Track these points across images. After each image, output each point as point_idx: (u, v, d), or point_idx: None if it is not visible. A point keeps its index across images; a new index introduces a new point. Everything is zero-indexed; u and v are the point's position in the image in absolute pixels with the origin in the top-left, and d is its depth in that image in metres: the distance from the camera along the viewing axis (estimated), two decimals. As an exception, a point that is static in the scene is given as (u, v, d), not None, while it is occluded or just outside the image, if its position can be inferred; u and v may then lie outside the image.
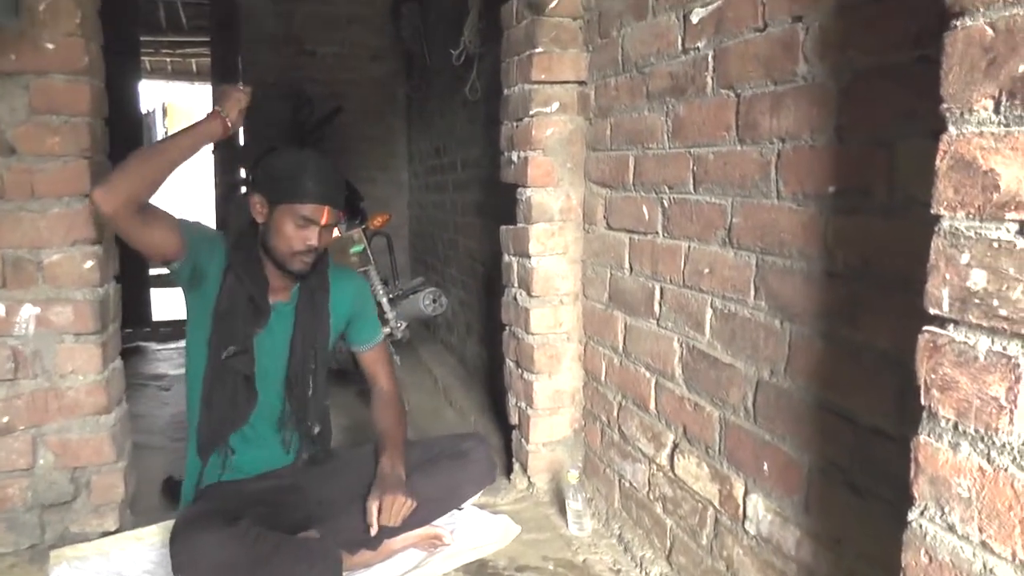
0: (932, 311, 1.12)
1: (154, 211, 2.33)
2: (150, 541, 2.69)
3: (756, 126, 1.93)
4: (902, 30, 1.48)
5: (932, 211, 1.11)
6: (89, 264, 2.56)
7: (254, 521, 2.30)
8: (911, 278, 1.45)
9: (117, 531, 2.72)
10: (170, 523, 2.69)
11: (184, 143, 2.37)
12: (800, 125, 1.77)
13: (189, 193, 19.12)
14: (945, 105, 1.08)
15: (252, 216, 2.49)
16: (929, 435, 1.14)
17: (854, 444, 1.65)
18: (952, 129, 1.08)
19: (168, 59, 12.43)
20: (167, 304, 7.75)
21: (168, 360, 6.04)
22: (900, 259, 1.50)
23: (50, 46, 2.47)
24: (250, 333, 2.52)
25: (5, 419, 2.54)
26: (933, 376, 1.12)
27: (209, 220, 9.26)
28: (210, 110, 2.45)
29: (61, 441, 2.61)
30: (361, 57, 7.33)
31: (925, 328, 1.14)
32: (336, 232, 4.09)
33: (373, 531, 2.45)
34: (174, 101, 20.21)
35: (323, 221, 2.45)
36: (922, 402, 1.16)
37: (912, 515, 1.20)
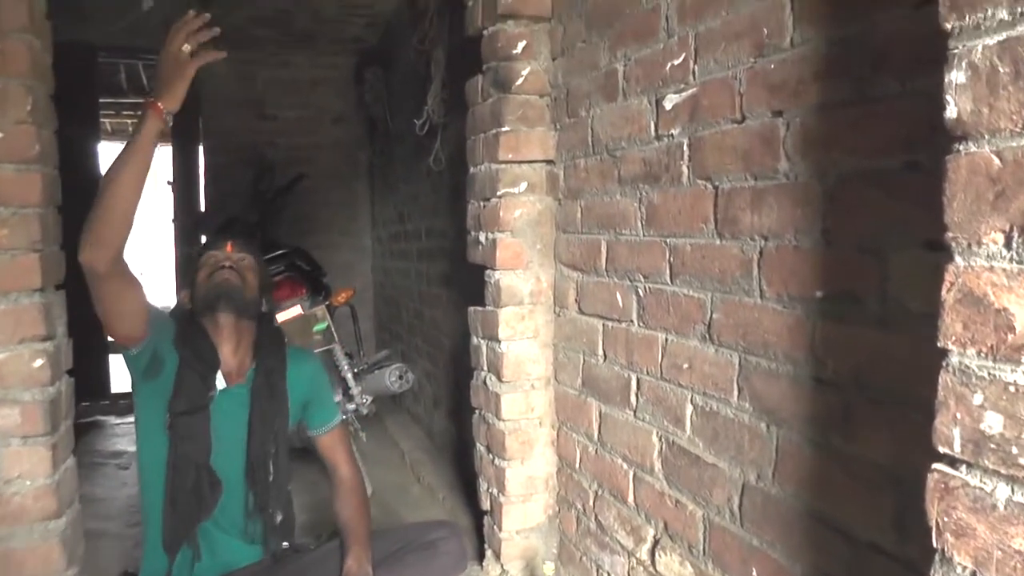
0: (942, 449, 1.05)
1: (131, 275, 2.26)
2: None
3: (736, 221, 1.86)
4: (889, 134, 1.43)
5: (939, 344, 1.04)
6: (39, 363, 2.42)
7: None
8: (909, 393, 1.39)
9: (69, 643, 2.57)
10: None
11: (131, 156, 2.13)
12: (784, 224, 1.71)
13: (150, 262, 19.05)
14: (950, 233, 1.02)
15: (184, 309, 2.51)
16: (944, 580, 1.06)
17: (850, 558, 1.57)
18: (959, 260, 1.01)
19: (129, 121, 12.29)
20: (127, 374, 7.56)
21: (127, 435, 5.88)
22: (896, 372, 1.43)
23: (-1, 135, 2.37)
24: (201, 398, 2.42)
25: (-58, 528, 2.39)
26: (946, 519, 1.05)
27: (169, 287, 9.14)
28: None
29: (5, 551, 2.43)
30: (323, 121, 7.30)
31: (935, 467, 1.07)
32: (299, 310, 4.02)
33: None
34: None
35: (228, 249, 2.48)
36: (934, 544, 1.09)
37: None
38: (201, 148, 7.12)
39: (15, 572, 2.46)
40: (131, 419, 6.18)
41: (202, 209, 6.99)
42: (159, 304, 2.45)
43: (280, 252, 4.29)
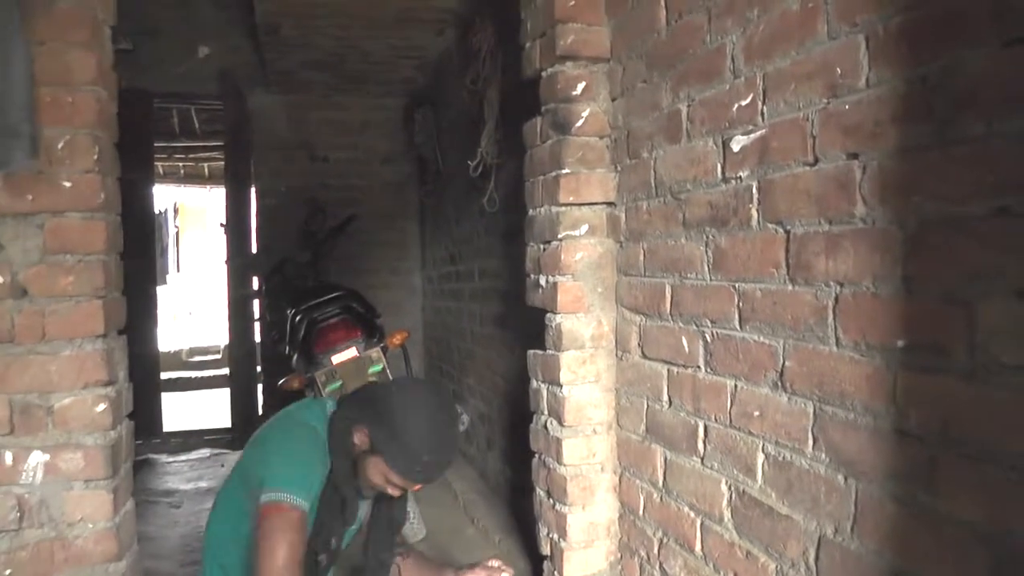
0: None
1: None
2: None
3: (809, 267, 1.82)
4: (975, 178, 1.38)
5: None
6: (101, 407, 2.45)
7: None
8: (1002, 449, 1.34)
9: None
10: None
11: None
12: (861, 270, 1.66)
13: (205, 293, 19.28)
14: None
15: (352, 438, 2.39)
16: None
17: (937, 620, 1.50)
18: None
19: (181, 163, 12.55)
20: (178, 411, 7.64)
21: (179, 474, 5.91)
22: (987, 426, 1.38)
23: (67, 184, 2.40)
24: (338, 535, 2.49)
25: (7, 572, 2.39)
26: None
27: (221, 326, 9.19)
28: None
29: None
30: (374, 162, 7.35)
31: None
32: (355, 352, 4.02)
33: None
34: (184, 201, 20.46)
35: (416, 489, 2.42)
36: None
37: None
38: (253, 190, 7.19)
39: (76, 614, 2.47)
40: (182, 457, 6.26)
41: (254, 250, 7.05)
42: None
43: (335, 295, 4.30)
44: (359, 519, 2.59)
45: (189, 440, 6.97)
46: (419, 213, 7.40)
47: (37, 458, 2.40)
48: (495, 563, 2.71)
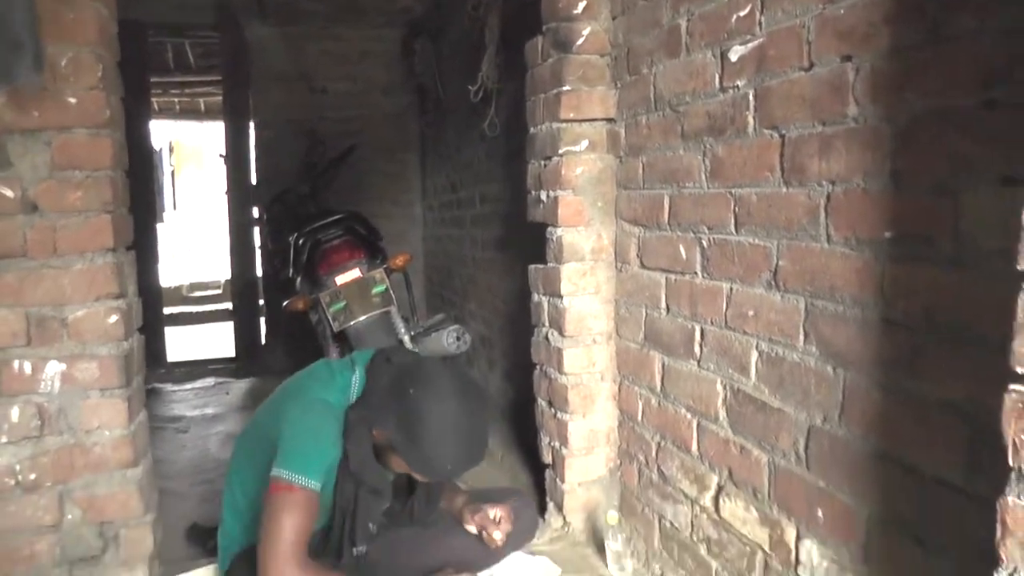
0: (1019, 370, 1.07)
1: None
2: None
3: (803, 168, 1.88)
4: (965, 73, 1.44)
5: (1018, 267, 1.05)
6: (113, 319, 2.53)
7: None
8: (982, 332, 1.41)
9: (146, 584, 2.69)
10: (201, 571, 2.68)
11: None
12: (852, 168, 1.72)
13: (202, 231, 19.28)
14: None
15: (371, 433, 2.32)
16: (1020, 497, 1.08)
17: (918, 496, 1.60)
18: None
19: (176, 99, 12.44)
20: (181, 345, 7.71)
21: (185, 401, 5.99)
22: (968, 310, 1.45)
23: (72, 100, 2.44)
24: (378, 518, 2.49)
25: (32, 476, 2.50)
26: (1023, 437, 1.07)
27: (220, 262, 9.19)
28: None
29: (88, 497, 2.57)
30: (373, 93, 7.31)
31: (1012, 387, 1.09)
32: (358, 272, 4.08)
33: (500, 538, 2.59)
34: (180, 139, 20.36)
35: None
36: (1010, 463, 1.11)
37: (999, 577, 1.15)
38: (252, 122, 7.19)
39: (98, 516, 2.59)
40: (187, 386, 6.34)
41: (253, 182, 7.07)
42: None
43: (337, 217, 4.35)
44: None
45: (194, 370, 7.04)
46: (419, 143, 7.40)
47: (54, 368, 2.49)
48: (497, 512, 2.67)
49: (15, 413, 2.46)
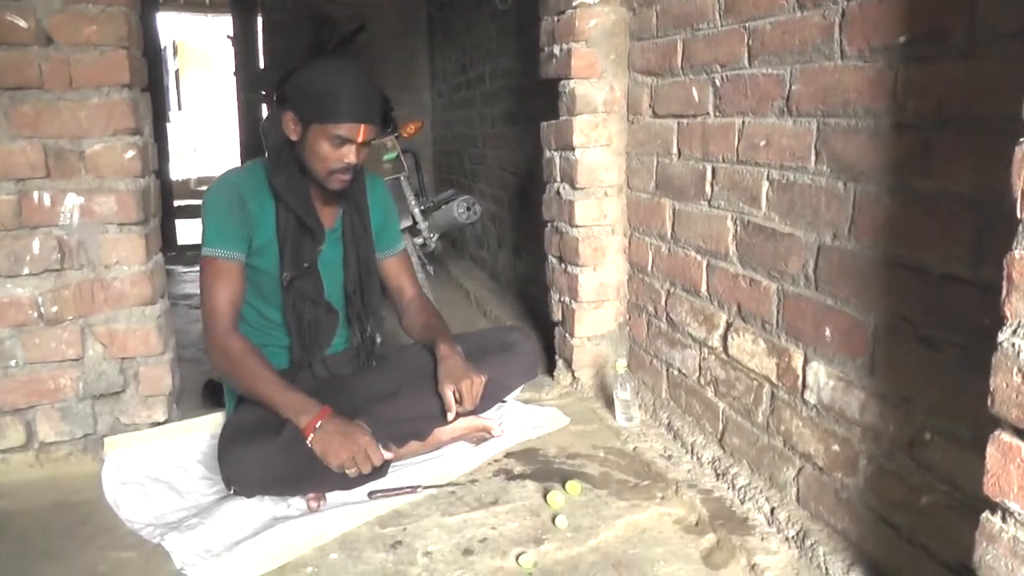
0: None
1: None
2: (200, 432, 2.74)
3: (818, -13, 1.88)
4: None
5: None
6: (130, 154, 2.55)
7: None
8: (991, 116, 1.42)
9: (166, 422, 2.75)
10: (218, 415, 2.75)
11: (267, 402, 2.34)
12: (868, -23, 1.72)
13: (214, 116, 19.17)
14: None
15: (285, 134, 2.44)
16: (1025, 250, 1.12)
17: (925, 296, 1.63)
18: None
19: (182, -9, 12.30)
20: (189, 233, 7.79)
21: (195, 281, 6.09)
22: (980, 99, 1.47)
23: (84, -70, 2.43)
24: (310, 257, 2.53)
25: (54, 309, 2.54)
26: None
27: (232, 137, 9.10)
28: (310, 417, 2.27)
29: (109, 332, 2.62)
30: (381, -24, 7.23)
31: (1022, 139, 1.12)
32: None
33: (451, 416, 2.50)
34: (185, 39, 20.11)
35: (360, 139, 2.37)
36: (1017, 215, 1.15)
37: (1003, 336, 1.20)
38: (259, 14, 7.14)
39: (119, 351, 2.63)
40: (197, 268, 6.41)
41: (261, 65, 7.03)
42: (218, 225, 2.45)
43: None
44: (334, 237, 2.63)
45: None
46: (428, 29, 7.34)
47: (73, 200, 2.52)
48: (485, 423, 2.71)
49: (36, 245, 2.49)
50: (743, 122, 2.24)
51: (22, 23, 2.41)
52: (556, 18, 3.04)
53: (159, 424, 2.73)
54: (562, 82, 3.02)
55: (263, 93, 6.78)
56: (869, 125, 1.75)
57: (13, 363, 2.56)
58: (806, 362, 2.03)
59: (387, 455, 2.34)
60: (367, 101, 2.38)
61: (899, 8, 1.64)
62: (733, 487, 2.30)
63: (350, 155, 2.37)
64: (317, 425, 2.24)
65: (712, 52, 2.37)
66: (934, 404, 1.63)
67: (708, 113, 2.41)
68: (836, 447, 1.93)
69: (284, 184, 2.46)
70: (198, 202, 9.87)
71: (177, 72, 20.46)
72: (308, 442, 2.22)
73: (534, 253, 3.36)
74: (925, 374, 1.65)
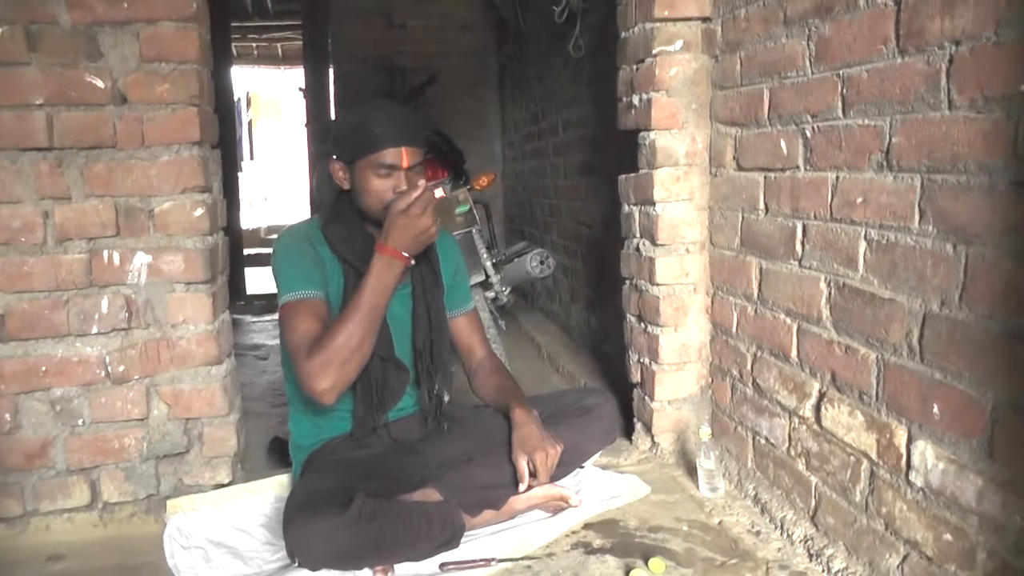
0: None
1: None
2: (264, 494, 2.66)
3: (922, 32, 1.75)
4: None
5: None
6: (199, 212, 2.55)
7: (369, 494, 2.19)
8: None
9: (230, 483, 2.71)
10: (283, 477, 2.70)
11: (374, 297, 2.27)
12: (981, 22, 1.59)
13: (285, 166, 19.51)
14: None
15: (338, 186, 2.43)
16: None
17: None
18: None
19: (254, 44, 12.55)
20: (258, 282, 7.86)
21: (263, 331, 6.13)
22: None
23: (159, -7, 2.46)
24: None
25: (120, 368, 2.55)
26: None
27: (302, 190, 9.19)
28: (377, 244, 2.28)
29: (174, 392, 2.60)
30: (451, 29, 7.29)
31: None
32: (441, 192, 4.02)
33: (523, 487, 2.39)
34: (257, 91, 20.56)
35: (404, 164, 2.31)
36: None
37: None
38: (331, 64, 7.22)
39: (183, 412, 2.61)
40: (266, 317, 6.44)
41: (332, 117, 7.09)
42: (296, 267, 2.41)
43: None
44: (403, 293, 2.54)
45: (271, 302, 7.16)
46: (498, 79, 7.36)
47: (141, 259, 2.52)
48: (562, 492, 2.55)
49: (104, 304, 2.51)
50: (837, 177, 2.11)
51: (100, 83, 2.46)
52: (635, 67, 2.95)
53: (223, 485, 2.68)
54: (642, 133, 2.92)
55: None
56: (983, 182, 1.61)
57: (80, 422, 2.55)
58: (910, 440, 1.87)
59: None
60: (404, 124, 2.35)
61: (1021, 51, 1.51)
62: (828, 570, 2.14)
63: (400, 183, 2.32)
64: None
65: (802, 101, 2.25)
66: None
67: (798, 166, 2.29)
68: (948, 536, 1.76)
69: (336, 233, 2.42)
70: (268, 250, 10.00)
71: (250, 123, 20.88)
72: (387, 243, 2.25)
73: (609, 308, 3.25)
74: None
